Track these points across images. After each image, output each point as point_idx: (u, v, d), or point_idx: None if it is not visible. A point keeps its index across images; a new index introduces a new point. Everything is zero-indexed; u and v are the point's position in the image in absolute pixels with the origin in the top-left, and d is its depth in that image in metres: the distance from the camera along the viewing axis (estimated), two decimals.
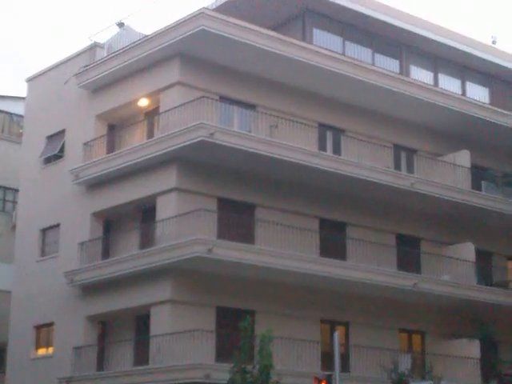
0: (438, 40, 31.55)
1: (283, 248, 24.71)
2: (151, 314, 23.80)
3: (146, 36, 25.84)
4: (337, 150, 27.91)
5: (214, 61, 25.41)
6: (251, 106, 26.22)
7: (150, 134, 25.76)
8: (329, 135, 28.07)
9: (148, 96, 25.93)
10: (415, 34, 30.91)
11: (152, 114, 25.95)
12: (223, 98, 25.61)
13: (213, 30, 24.33)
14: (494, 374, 27.98)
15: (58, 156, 28.55)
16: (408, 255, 28.62)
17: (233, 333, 22.36)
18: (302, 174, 25.81)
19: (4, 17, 69.11)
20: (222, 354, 22.93)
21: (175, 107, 24.48)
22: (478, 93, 33.20)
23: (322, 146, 27.57)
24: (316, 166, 25.47)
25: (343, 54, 28.49)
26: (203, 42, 24.64)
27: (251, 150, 24.23)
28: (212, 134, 23.47)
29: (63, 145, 28.38)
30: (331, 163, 25.92)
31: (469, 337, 27.92)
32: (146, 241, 24.85)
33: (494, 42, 34.93)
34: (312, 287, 25.52)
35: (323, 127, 27.81)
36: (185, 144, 23.65)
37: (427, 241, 29.45)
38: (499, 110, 31.22)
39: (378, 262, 26.88)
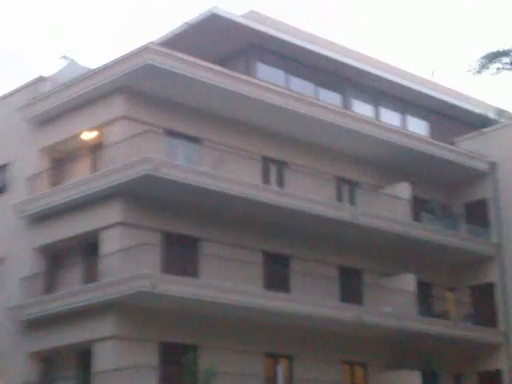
0: (379, 74, 32.26)
1: (227, 282, 24.78)
2: (94, 349, 23.55)
3: (92, 70, 25.80)
4: (280, 182, 28.20)
5: (160, 95, 25.50)
6: (196, 140, 26.36)
7: (95, 168, 25.67)
8: (272, 168, 28.34)
9: (93, 130, 25.82)
10: (357, 68, 31.54)
11: (97, 148, 25.86)
12: (168, 132, 25.69)
13: (158, 64, 24.41)
14: None
15: (2, 190, 28.20)
16: (350, 287, 28.97)
17: (177, 368, 22.28)
18: (246, 207, 25.97)
19: None
20: None
21: (120, 141, 24.46)
22: (418, 126, 33.97)
23: (266, 179, 27.82)
24: (260, 200, 25.65)
25: (287, 88, 28.86)
26: (148, 76, 24.71)
27: (196, 184, 24.29)
28: (157, 168, 23.49)
29: (7, 179, 28.05)
30: (275, 196, 26.13)
31: (410, 368, 28.28)
32: (90, 276, 24.66)
33: (432, 76, 35.83)
34: (256, 321, 25.62)
35: (267, 160, 28.08)
36: (129, 178, 23.60)
37: (369, 272, 29.86)
38: (438, 143, 31.92)
39: (321, 294, 27.14)
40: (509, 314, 31.33)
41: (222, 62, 28.31)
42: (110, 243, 24.09)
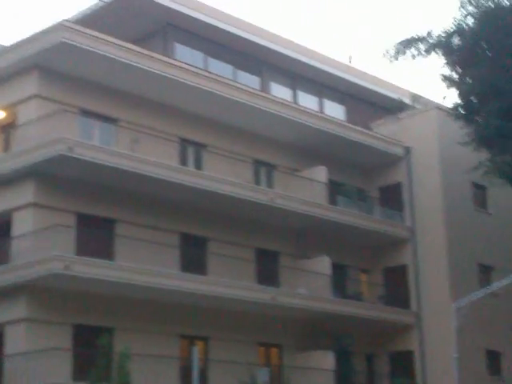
0: (297, 58, 32.43)
1: (143, 264, 24.59)
2: (6, 332, 23.08)
3: (4, 47, 25.14)
4: (198, 164, 28.09)
5: (74, 74, 25.02)
6: (112, 120, 26.00)
7: (7, 148, 25.04)
8: (190, 150, 28.21)
9: (5, 108, 25.16)
10: (275, 51, 31.61)
11: (9, 127, 25.21)
12: (83, 112, 25.26)
13: (72, 43, 23.93)
14: None
15: None
16: (267, 269, 29.16)
17: (90, 351, 22.05)
18: (163, 189, 25.79)
19: None
20: (79, 373, 22.52)
21: (33, 120, 23.94)
22: (335, 110, 34.29)
23: (183, 161, 27.68)
24: (177, 181, 25.51)
25: (205, 70, 28.70)
26: (62, 55, 24.20)
27: (112, 165, 23.99)
28: (71, 148, 23.08)
29: None
30: (192, 178, 26.02)
31: (324, 348, 28.68)
32: (2, 257, 24.06)
33: (350, 61, 36.17)
34: (172, 303, 25.54)
35: (184, 142, 27.93)
36: (43, 158, 23.13)
37: (285, 255, 30.09)
38: (355, 127, 32.31)
39: (237, 276, 27.21)
40: (420, 295, 32.06)
41: (139, 41, 27.91)
42: (23, 224, 23.61)
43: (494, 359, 32.63)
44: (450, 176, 32.88)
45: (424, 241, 32.48)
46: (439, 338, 30.62)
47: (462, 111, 29.87)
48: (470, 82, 29.22)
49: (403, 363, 31.64)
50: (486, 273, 33.29)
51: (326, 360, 28.34)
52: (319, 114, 31.78)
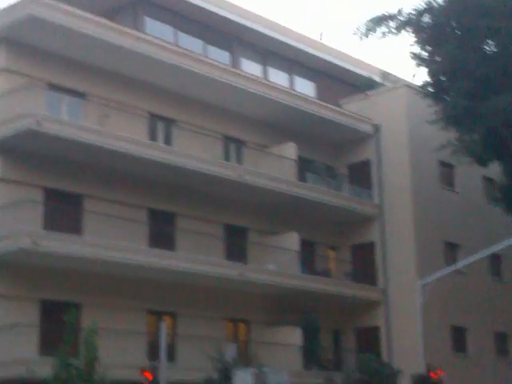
0: (268, 34, 32.36)
1: (112, 239, 24.56)
2: None
3: None
4: (167, 140, 28.00)
5: (43, 47, 24.73)
6: (81, 95, 25.79)
7: None
8: (159, 125, 28.10)
9: None
10: (246, 27, 31.52)
11: None
12: (52, 86, 25.01)
13: (40, 16, 23.63)
14: (315, 361, 29.15)
15: None
16: (235, 245, 29.25)
17: (58, 326, 22.01)
18: (132, 165, 25.68)
19: None
20: (46, 349, 22.48)
21: (0, 94, 23.66)
22: (305, 87, 34.30)
23: (153, 136, 27.57)
24: (146, 157, 25.41)
25: (175, 44, 28.57)
26: (31, 28, 23.90)
27: (80, 140, 23.81)
28: (39, 123, 22.88)
29: None
30: (162, 154, 25.94)
31: (291, 324, 28.90)
32: None
33: (321, 38, 36.17)
34: (140, 278, 25.56)
35: (154, 117, 27.81)
36: (10, 133, 22.95)
37: (254, 231, 30.19)
38: (325, 104, 32.35)
39: (206, 252, 27.29)
40: (387, 272, 32.36)
41: (109, 15, 27.67)
42: None
43: (459, 335, 33.11)
44: (418, 154, 33.10)
45: (392, 218, 32.73)
46: (405, 314, 30.96)
47: (431, 90, 30.04)
48: (440, 60, 29.38)
49: (369, 339, 32.00)
50: (452, 250, 33.68)
51: (294, 336, 28.59)
52: (289, 91, 31.79)
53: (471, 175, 34.58)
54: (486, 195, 35.51)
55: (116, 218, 25.25)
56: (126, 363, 23.45)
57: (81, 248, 23.35)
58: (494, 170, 32.17)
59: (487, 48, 29.08)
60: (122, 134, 25.05)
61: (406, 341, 30.50)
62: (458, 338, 33.06)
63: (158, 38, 27.44)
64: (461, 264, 29.86)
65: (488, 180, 35.61)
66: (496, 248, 28.41)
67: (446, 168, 34.40)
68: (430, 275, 28.44)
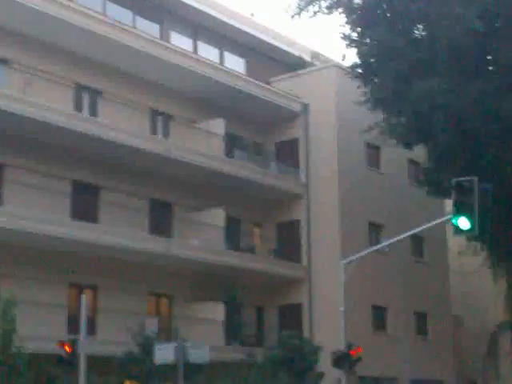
0: (199, 8, 32.05)
1: (33, 210, 24.10)
2: None
3: None
4: (93, 111, 27.54)
5: None
6: (4, 61, 25.12)
7: None
8: (85, 96, 27.62)
9: None
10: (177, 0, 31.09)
11: None
12: None
13: None
14: (237, 336, 29.24)
15: None
16: (160, 220, 29.04)
17: None
18: (55, 135, 25.17)
19: None
20: None
21: None
22: (235, 63, 34.14)
23: (78, 107, 27.08)
24: (71, 127, 24.94)
25: (103, 14, 28.02)
26: None
27: (2, 107, 23.22)
28: None
29: None
30: (87, 125, 25.51)
31: (215, 300, 28.90)
32: None
33: (252, 14, 36.01)
34: (61, 250, 25.16)
35: (80, 87, 27.31)
36: None
37: (179, 206, 30.01)
38: (254, 81, 32.29)
39: (130, 226, 27.02)
40: (311, 250, 32.63)
41: None
42: None
43: (379, 314, 33.64)
44: (345, 135, 33.36)
45: (317, 197, 32.97)
46: (328, 292, 31.25)
47: (360, 71, 30.22)
48: (369, 42, 29.55)
49: (292, 316, 32.27)
50: (375, 231, 34.14)
51: (217, 311, 28.65)
52: (219, 66, 31.60)
53: (397, 157, 35.04)
54: (410, 177, 36.07)
55: (38, 189, 24.77)
56: (44, 335, 23.08)
57: (1, 218, 22.83)
58: (419, 153, 32.65)
59: (417, 32, 29.38)
60: (47, 103, 24.50)
61: (328, 318, 30.83)
62: (379, 316, 33.61)
63: (85, 7, 26.83)
64: (383, 244, 30.24)
65: (413, 163, 36.16)
66: (418, 229, 28.84)
67: (373, 149, 34.78)
68: (353, 254, 28.72)
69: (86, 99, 27.55)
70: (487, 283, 37.54)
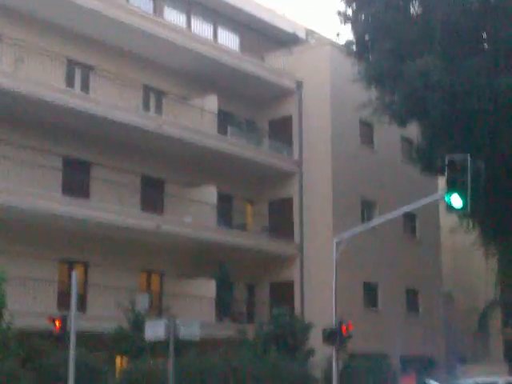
0: None
1: (24, 186, 24.05)
2: None
3: None
4: (85, 87, 27.42)
5: None
6: None
7: None
8: (77, 72, 27.49)
9: None
10: None
11: None
12: None
13: None
14: (228, 312, 29.33)
15: None
16: (152, 196, 29.02)
17: None
18: (47, 111, 25.07)
19: None
20: None
21: None
22: (229, 39, 33.96)
23: (70, 83, 26.95)
24: (63, 103, 24.85)
25: None
26: None
27: None
28: None
29: None
30: (78, 101, 25.40)
31: (207, 277, 28.96)
32: None
33: None
34: (52, 226, 25.15)
35: (72, 63, 27.18)
36: None
37: (171, 182, 29.97)
38: (248, 57, 32.14)
39: (122, 202, 27.00)
40: (304, 228, 32.65)
41: None
42: None
43: (370, 291, 33.76)
44: (339, 112, 33.25)
45: (310, 175, 32.94)
46: (320, 269, 31.34)
47: (355, 48, 30.05)
48: (364, 19, 29.36)
49: (284, 293, 32.34)
50: (368, 208, 34.16)
51: (208, 288, 28.70)
52: (213, 43, 31.43)
53: (390, 135, 34.98)
54: (403, 155, 36.04)
55: (30, 165, 24.71)
56: (35, 311, 23.16)
57: None
58: (413, 130, 32.57)
59: (412, 10, 29.18)
60: (38, 79, 24.40)
61: (319, 295, 30.90)
62: (370, 293, 33.72)
63: None
64: (375, 222, 30.20)
65: (406, 140, 36.11)
66: (411, 207, 28.84)
67: (366, 127, 34.71)
68: (346, 232, 28.74)
69: (77, 75, 27.44)
70: (479, 261, 37.66)
